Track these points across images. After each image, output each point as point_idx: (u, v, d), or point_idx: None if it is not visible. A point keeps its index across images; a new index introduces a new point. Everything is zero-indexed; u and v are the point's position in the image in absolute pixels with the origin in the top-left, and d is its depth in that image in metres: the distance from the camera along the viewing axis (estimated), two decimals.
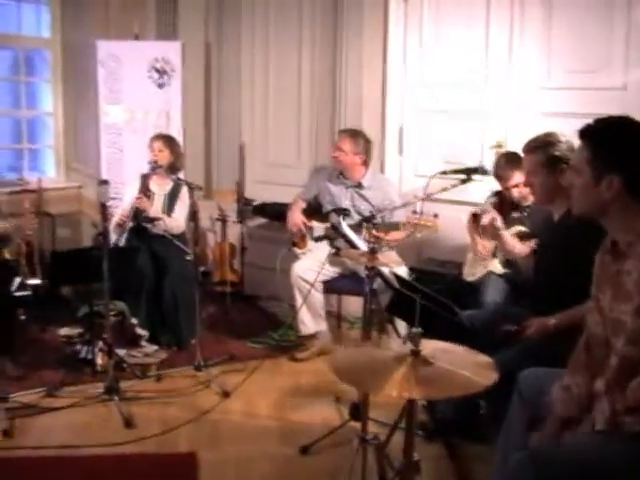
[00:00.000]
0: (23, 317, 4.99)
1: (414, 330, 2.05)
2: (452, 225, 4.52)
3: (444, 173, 3.67)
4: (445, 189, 3.65)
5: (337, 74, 5.57)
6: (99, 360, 4.38)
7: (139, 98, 5.95)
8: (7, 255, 4.92)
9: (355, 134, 4.82)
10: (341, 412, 3.95)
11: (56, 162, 6.58)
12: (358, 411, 3.41)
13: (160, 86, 5.96)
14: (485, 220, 3.51)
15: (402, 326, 4.29)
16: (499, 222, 3.53)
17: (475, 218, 3.59)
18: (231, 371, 4.55)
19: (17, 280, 4.85)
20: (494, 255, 4.15)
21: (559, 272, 3.00)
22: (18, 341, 4.59)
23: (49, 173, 6.56)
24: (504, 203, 4.18)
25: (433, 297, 3.14)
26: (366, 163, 4.86)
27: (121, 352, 4.51)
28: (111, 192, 4.12)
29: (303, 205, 5.07)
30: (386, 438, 3.15)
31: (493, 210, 3.56)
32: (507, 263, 4.04)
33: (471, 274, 4.29)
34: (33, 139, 6.54)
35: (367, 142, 4.84)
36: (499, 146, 4.57)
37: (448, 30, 5.06)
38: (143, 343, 4.75)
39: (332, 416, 3.93)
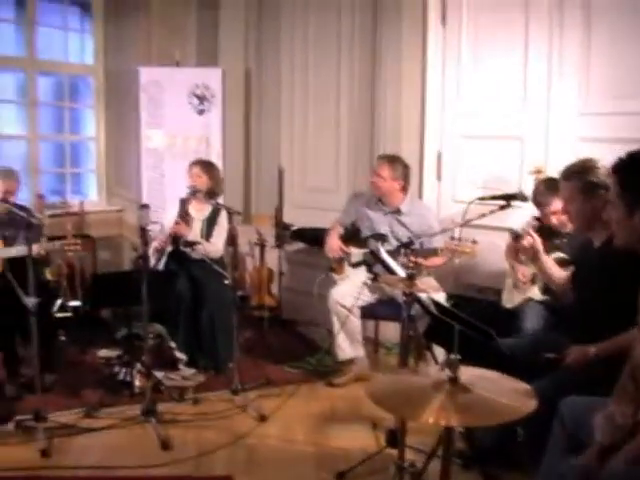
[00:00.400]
0: (63, 338, 5.08)
1: (452, 357, 2.04)
2: (490, 251, 4.48)
3: (482, 199, 3.63)
4: (483, 215, 3.61)
5: (376, 99, 5.60)
6: (137, 382, 4.42)
7: (179, 124, 6.05)
8: (49, 277, 5.00)
9: (393, 160, 4.81)
10: (378, 439, 3.91)
11: (98, 186, 6.69)
12: (395, 438, 3.38)
13: (200, 112, 6.05)
14: (525, 242, 3.44)
15: (440, 352, 4.26)
16: (539, 244, 3.46)
17: (516, 240, 3.54)
18: (268, 395, 4.55)
19: (58, 302, 4.93)
20: (533, 282, 4.11)
21: (598, 299, 2.96)
22: (57, 362, 4.64)
23: (91, 196, 6.66)
24: (543, 229, 4.10)
25: (471, 322, 3.11)
26: (404, 189, 4.84)
27: (159, 374, 4.54)
28: (151, 216, 4.15)
29: (341, 230, 5.06)
30: (423, 466, 3.12)
31: (533, 232, 3.51)
32: (547, 290, 3.98)
33: (510, 300, 4.24)
34: (76, 163, 6.66)
35: (405, 168, 4.82)
36: (538, 172, 4.52)
37: (486, 55, 5.06)
38: (181, 366, 4.78)
39: (369, 442, 3.89)
